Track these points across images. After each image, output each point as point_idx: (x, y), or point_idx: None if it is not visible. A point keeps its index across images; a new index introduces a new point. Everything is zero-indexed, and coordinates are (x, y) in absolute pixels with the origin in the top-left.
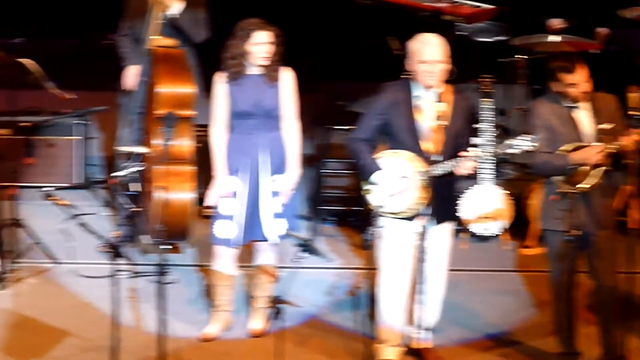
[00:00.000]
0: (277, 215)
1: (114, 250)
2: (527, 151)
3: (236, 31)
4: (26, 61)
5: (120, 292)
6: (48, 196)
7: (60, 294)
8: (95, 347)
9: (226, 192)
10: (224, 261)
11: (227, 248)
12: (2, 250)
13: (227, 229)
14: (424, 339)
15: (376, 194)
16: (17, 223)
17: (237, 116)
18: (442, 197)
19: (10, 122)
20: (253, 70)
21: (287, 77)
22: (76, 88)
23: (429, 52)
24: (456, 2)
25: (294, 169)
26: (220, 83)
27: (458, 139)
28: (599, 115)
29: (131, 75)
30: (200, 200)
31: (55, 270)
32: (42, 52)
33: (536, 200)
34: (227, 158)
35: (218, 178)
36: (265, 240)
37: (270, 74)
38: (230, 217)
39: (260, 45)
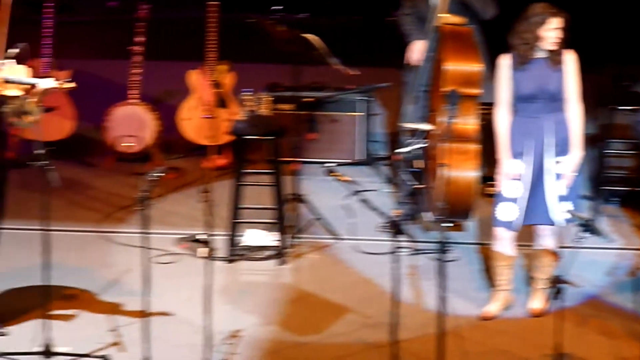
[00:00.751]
0: (562, 198)
1: (395, 227)
2: None
3: (528, 16)
4: (311, 37)
5: (400, 269)
6: (330, 172)
7: (341, 270)
8: (375, 324)
9: (511, 175)
10: (504, 243)
11: (508, 230)
12: (283, 225)
13: (509, 211)
14: None
15: None
16: (298, 198)
17: (522, 99)
18: None
19: (294, 97)
20: (539, 54)
21: (570, 60)
22: (359, 64)
23: None
24: None
25: (578, 150)
26: (506, 66)
27: None
28: None
29: (416, 52)
30: (484, 178)
31: (335, 246)
32: (325, 28)
33: None
34: (512, 141)
35: (502, 161)
36: (551, 223)
37: (554, 57)
38: (513, 200)
39: (553, 30)
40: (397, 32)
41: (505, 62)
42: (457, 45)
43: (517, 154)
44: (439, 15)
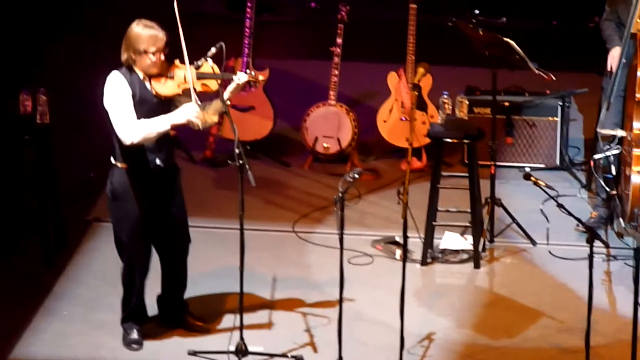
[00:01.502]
0: None
1: (591, 233)
2: None
3: None
4: (511, 41)
5: (595, 275)
6: (527, 176)
7: (535, 274)
8: (569, 329)
9: None
10: None
11: None
12: (478, 229)
13: None
14: None
15: None
16: (494, 202)
17: None
18: None
19: (491, 101)
20: None
21: None
22: (556, 69)
23: None
24: None
25: None
26: None
27: None
28: None
29: (614, 58)
30: None
31: (530, 251)
32: (523, 32)
33: None
34: None
35: None
36: None
37: None
38: None
39: None
40: (596, 38)
41: None
42: None
43: None
44: (637, 20)
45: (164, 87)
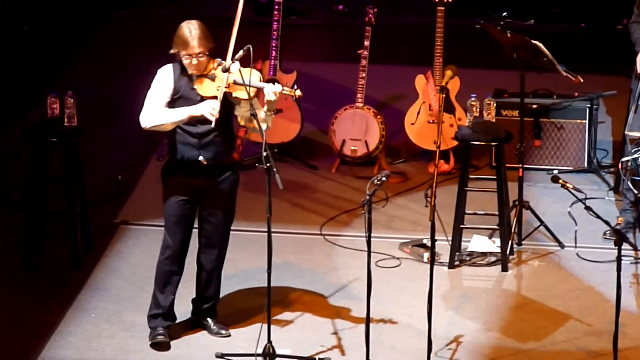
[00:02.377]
0: None
1: (619, 236)
2: None
3: None
4: (538, 43)
5: (623, 277)
6: (555, 179)
7: (562, 277)
8: (597, 332)
9: None
10: None
11: None
12: (506, 232)
13: None
14: None
15: None
16: (522, 204)
17: None
18: None
19: (519, 103)
20: None
21: None
22: (584, 72)
23: None
24: None
25: None
26: None
27: None
28: None
29: None
30: None
31: (558, 253)
32: (551, 35)
33: None
34: None
35: None
36: None
37: None
38: None
39: None
40: (625, 40)
41: None
42: None
43: None
44: None
45: (203, 88)
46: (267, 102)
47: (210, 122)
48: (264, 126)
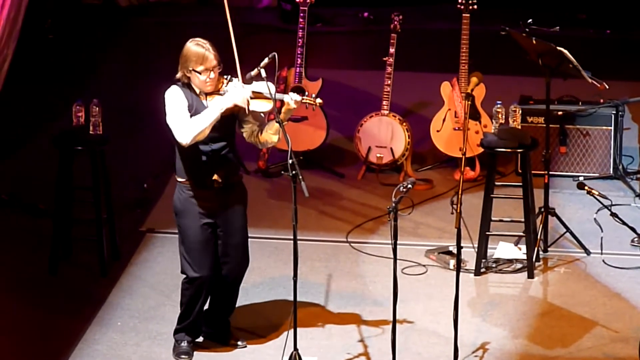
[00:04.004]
0: None
1: None
2: None
3: None
4: (564, 50)
5: None
6: (581, 185)
7: (589, 284)
8: (624, 338)
9: None
10: None
11: None
12: (533, 238)
13: None
14: None
15: None
16: (548, 211)
17: None
18: None
19: (545, 110)
20: None
21: None
22: (610, 78)
23: None
24: None
25: None
26: None
27: None
28: None
29: None
30: None
31: (584, 260)
32: (576, 41)
33: None
34: None
35: None
36: None
37: None
38: None
39: None
40: None
41: None
42: None
43: None
44: None
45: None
46: (285, 112)
47: (220, 140)
48: (275, 138)
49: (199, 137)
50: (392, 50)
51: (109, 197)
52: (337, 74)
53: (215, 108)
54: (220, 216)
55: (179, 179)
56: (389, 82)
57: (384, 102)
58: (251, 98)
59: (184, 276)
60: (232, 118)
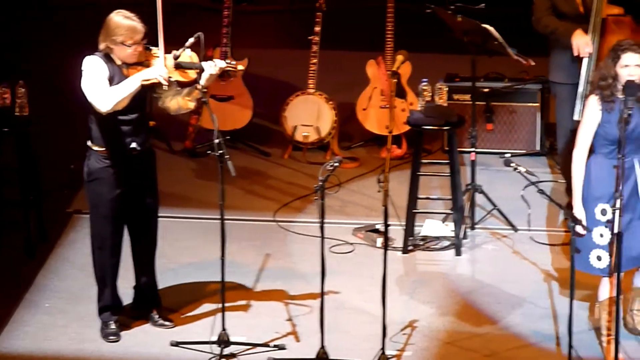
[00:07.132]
0: None
1: (572, 217)
2: None
3: (609, 53)
4: (490, 27)
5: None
6: (507, 162)
7: (517, 260)
8: (552, 315)
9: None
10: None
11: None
12: (460, 216)
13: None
14: None
15: None
16: (475, 189)
17: (610, 142)
18: None
19: (471, 87)
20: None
21: None
22: (536, 55)
23: None
24: None
25: None
26: (594, 107)
27: None
28: None
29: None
30: None
31: (512, 237)
32: (502, 18)
33: None
34: (601, 184)
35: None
36: None
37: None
38: (604, 247)
39: (627, 67)
40: None
41: (593, 102)
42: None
43: (607, 197)
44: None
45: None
46: (207, 78)
47: (137, 109)
48: (191, 105)
49: (119, 106)
50: (317, 28)
51: (37, 178)
52: (263, 53)
53: (136, 79)
54: (134, 182)
55: (96, 148)
56: (315, 60)
57: (310, 81)
58: (175, 69)
59: (96, 245)
60: (150, 88)
